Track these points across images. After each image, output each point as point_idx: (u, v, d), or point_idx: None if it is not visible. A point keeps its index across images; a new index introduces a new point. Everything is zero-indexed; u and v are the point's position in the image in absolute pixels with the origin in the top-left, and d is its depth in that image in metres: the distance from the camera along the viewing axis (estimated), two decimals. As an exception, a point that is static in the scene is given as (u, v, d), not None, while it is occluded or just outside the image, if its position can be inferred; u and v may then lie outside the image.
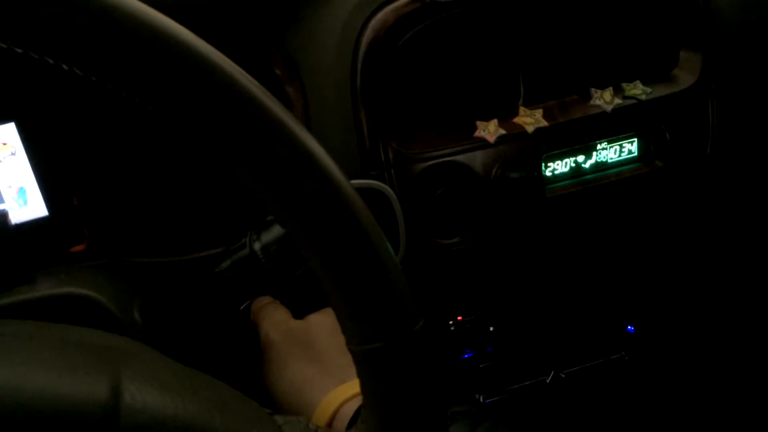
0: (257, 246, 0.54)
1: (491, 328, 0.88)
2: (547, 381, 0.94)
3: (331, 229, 0.29)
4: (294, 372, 0.54)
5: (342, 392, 0.50)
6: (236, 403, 0.32)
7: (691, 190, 0.81)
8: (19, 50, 0.25)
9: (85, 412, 0.26)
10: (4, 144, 0.56)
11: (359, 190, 0.30)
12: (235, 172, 0.29)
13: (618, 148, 0.79)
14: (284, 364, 0.55)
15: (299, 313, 0.60)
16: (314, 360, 0.54)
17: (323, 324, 0.57)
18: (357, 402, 0.49)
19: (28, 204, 0.57)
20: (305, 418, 0.36)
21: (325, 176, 0.29)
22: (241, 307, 0.63)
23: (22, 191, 0.57)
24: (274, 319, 0.59)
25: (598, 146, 0.78)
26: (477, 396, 0.92)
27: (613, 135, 0.78)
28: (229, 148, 0.28)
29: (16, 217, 0.57)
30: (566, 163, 0.78)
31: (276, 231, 0.54)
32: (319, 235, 0.29)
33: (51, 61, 0.26)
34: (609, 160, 0.79)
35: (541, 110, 0.75)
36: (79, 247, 0.60)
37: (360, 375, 0.32)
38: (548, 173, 0.77)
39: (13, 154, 0.56)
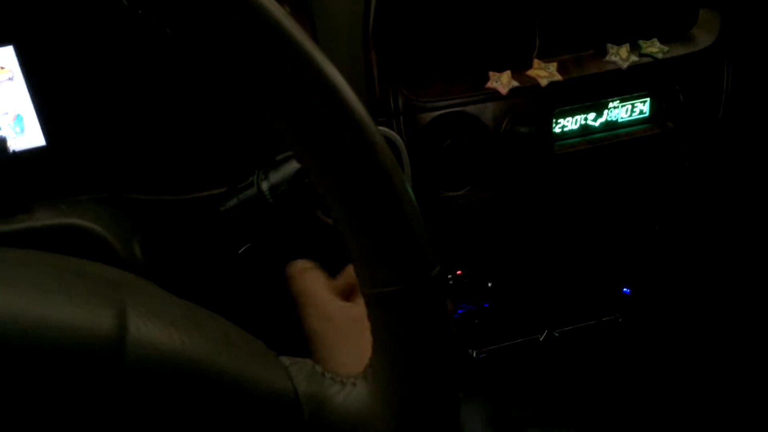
0: (265, 186, 0.52)
1: (489, 284, 0.88)
2: (540, 339, 0.94)
3: (356, 166, 0.28)
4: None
5: None
6: (242, 341, 0.32)
7: (701, 153, 0.80)
8: None
9: (90, 342, 0.25)
10: (2, 68, 0.53)
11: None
12: (255, 101, 0.27)
13: (630, 107, 0.78)
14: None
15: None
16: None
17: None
18: None
19: (24, 133, 0.55)
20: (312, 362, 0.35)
21: (350, 111, 0.28)
22: (240, 251, 0.62)
23: (19, 119, 0.55)
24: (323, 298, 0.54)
25: (610, 104, 0.77)
26: (470, 351, 0.92)
27: (626, 93, 0.76)
28: (254, 77, 0.27)
29: (13, 145, 0.55)
30: (576, 120, 0.76)
31: (285, 171, 0.52)
32: (343, 172, 0.28)
33: None
34: (620, 120, 0.78)
35: (555, 63, 0.73)
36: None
37: (372, 319, 0.32)
38: (557, 129, 0.76)
39: (10, 79, 0.54)
